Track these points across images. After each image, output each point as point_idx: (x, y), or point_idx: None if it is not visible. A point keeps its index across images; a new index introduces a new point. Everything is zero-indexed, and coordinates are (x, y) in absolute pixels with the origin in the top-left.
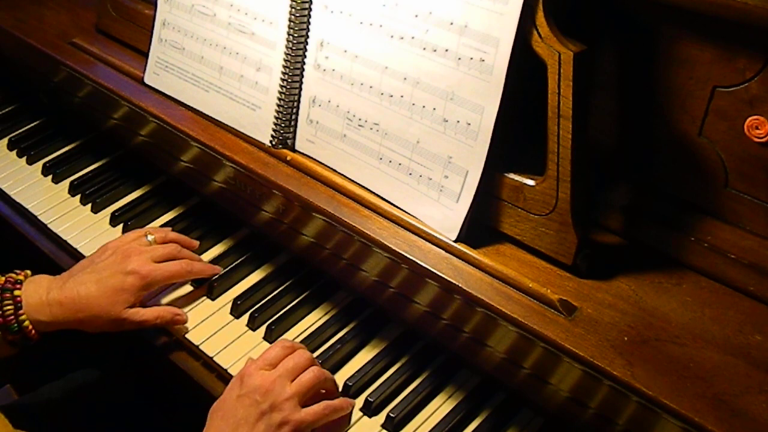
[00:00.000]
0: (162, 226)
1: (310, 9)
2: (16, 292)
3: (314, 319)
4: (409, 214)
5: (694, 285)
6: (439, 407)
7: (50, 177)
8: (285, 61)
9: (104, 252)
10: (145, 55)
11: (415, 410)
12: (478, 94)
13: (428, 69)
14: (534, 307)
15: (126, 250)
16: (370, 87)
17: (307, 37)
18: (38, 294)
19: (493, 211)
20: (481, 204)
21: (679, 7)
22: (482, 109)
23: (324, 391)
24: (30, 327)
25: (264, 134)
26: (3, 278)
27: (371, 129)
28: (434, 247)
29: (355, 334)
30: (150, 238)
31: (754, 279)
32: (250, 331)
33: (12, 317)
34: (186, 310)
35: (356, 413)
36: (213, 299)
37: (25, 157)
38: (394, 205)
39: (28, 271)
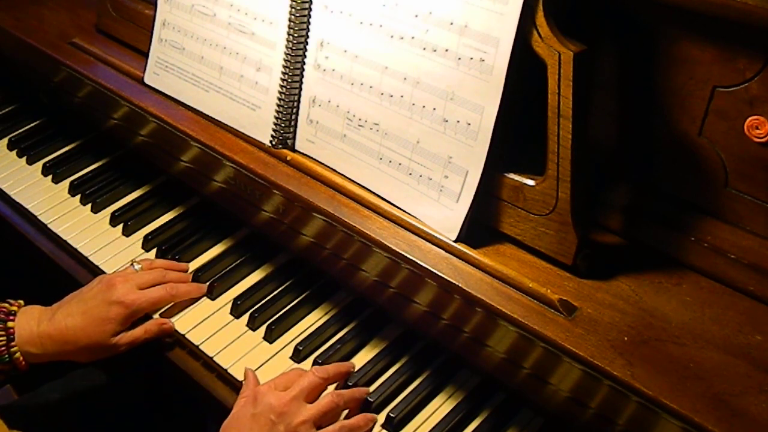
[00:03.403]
0: (162, 226)
1: (310, 9)
2: (10, 324)
3: (314, 319)
4: (409, 214)
5: (694, 285)
6: (439, 407)
7: (50, 177)
8: (285, 61)
9: (91, 282)
10: (145, 55)
11: (415, 410)
12: (478, 94)
13: (428, 69)
14: (534, 307)
15: (111, 278)
16: (370, 87)
17: (307, 37)
18: (29, 326)
19: (493, 211)
20: (481, 204)
21: (679, 7)
22: (482, 109)
23: (347, 411)
24: (21, 359)
25: (264, 134)
26: None
27: (371, 129)
28: (434, 247)
29: (355, 334)
30: (137, 267)
31: (754, 279)
32: (250, 331)
33: (4, 348)
34: (186, 310)
35: None
36: (213, 299)
37: (25, 157)
38: (394, 205)
39: (21, 301)
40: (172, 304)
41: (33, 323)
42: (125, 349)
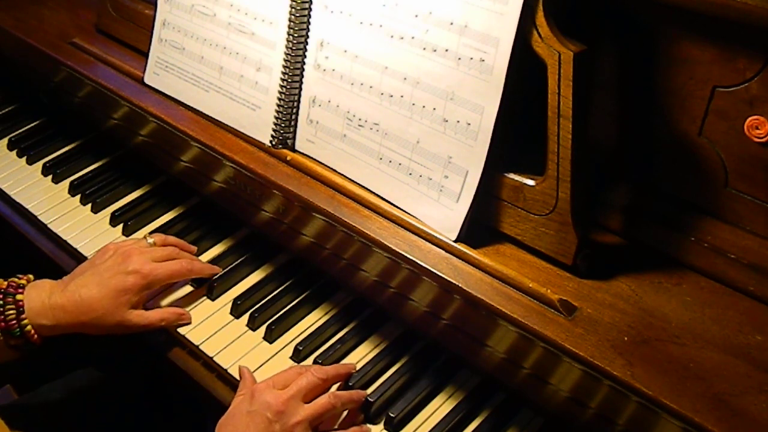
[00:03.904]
0: (162, 226)
1: (310, 9)
2: (18, 297)
3: (314, 319)
4: (409, 214)
5: (694, 285)
6: (439, 407)
7: (50, 177)
8: (285, 61)
9: (105, 254)
10: (145, 55)
11: (415, 410)
12: (478, 94)
13: (428, 69)
14: (534, 307)
15: (126, 251)
16: (370, 87)
17: (307, 37)
18: (40, 298)
19: (493, 211)
20: (481, 204)
21: (679, 7)
22: (482, 109)
23: (346, 413)
24: (32, 332)
25: (264, 134)
26: (5, 282)
27: (371, 129)
28: (434, 247)
29: (355, 334)
30: (150, 240)
31: (754, 279)
32: (250, 331)
33: (14, 322)
34: (186, 310)
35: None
36: (213, 299)
37: (25, 157)
38: (394, 205)
39: (31, 276)
40: (173, 304)
41: (44, 295)
42: (137, 330)
